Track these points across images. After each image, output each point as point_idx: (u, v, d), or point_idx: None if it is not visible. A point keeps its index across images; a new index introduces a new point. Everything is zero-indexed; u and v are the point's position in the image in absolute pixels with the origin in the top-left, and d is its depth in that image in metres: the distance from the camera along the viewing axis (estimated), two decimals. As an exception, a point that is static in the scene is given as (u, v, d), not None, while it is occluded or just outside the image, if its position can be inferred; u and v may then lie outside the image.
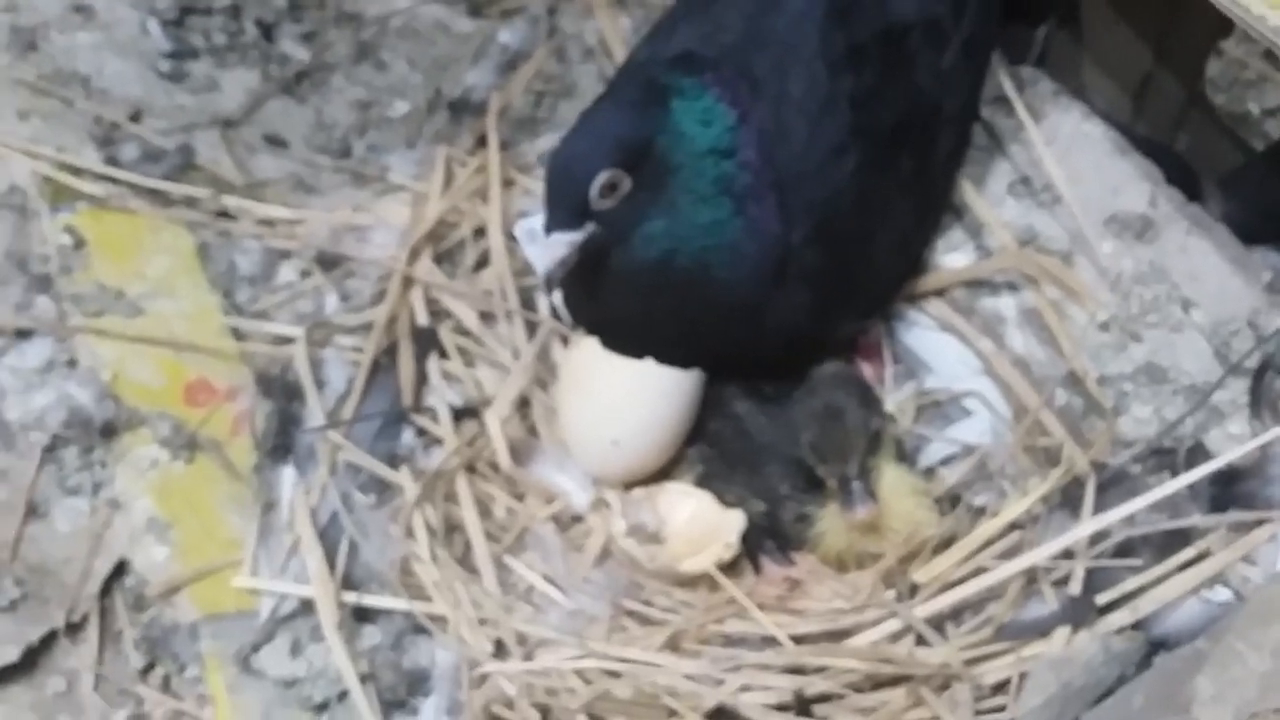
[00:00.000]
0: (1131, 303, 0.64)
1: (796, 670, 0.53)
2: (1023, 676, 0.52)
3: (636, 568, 0.60)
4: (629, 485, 0.63)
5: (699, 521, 0.60)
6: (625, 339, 0.60)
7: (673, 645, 0.55)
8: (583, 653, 0.54)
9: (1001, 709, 0.53)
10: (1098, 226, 0.67)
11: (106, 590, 0.61)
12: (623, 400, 0.61)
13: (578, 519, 0.63)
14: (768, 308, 0.59)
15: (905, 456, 0.62)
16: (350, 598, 0.59)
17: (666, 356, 0.60)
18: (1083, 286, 0.64)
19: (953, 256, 0.68)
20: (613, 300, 0.59)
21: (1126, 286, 0.64)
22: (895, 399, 0.65)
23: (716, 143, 0.57)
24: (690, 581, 0.60)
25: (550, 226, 0.56)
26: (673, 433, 0.62)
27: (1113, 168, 0.69)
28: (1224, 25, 0.71)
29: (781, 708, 0.53)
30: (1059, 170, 0.68)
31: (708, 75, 0.59)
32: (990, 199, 0.69)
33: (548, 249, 0.55)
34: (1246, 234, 0.66)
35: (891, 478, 0.59)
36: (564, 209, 0.55)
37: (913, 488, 0.59)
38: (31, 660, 0.59)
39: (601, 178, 0.55)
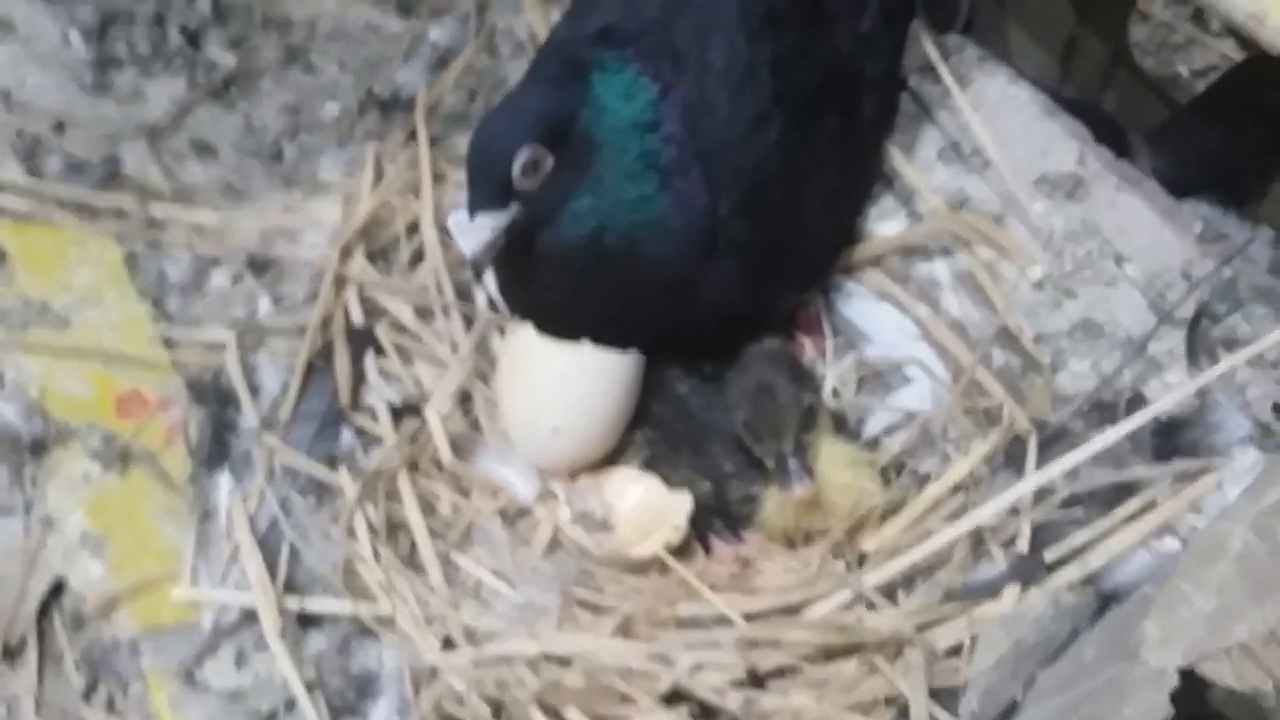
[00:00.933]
0: (1065, 260, 0.63)
1: (749, 646, 0.51)
2: (975, 639, 0.51)
3: (585, 556, 0.58)
4: (574, 473, 0.61)
5: (646, 506, 0.59)
6: (559, 322, 0.58)
7: (625, 631, 0.53)
8: (532, 642, 0.52)
9: (956, 671, 0.51)
10: (1028, 187, 0.66)
11: (44, 611, 0.59)
12: (560, 386, 0.59)
13: (524, 512, 0.61)
14: (700, 283, 0.57)
15: (844, 429, 0.60)
16: (293, 604, 0.57)
17: (602, 338, 0.58)
18: (1015, 244, 0.63)
19: (886, 224, 0.67)
20: (544, 283, 0.57)
21: (1059, 244, 0.64)
22: (837, 371, 0.63)
23: (639, 116, 0.56)
24: (640, 567, 0.58)
25: (473, 208, 0.54)
26: (614, 417, 0.60)
27: (1041, 129, 0.68)
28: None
29: (736, 684, 0.51)
30: (987, 134, 0.67)
31: (629, 50, 0.57)
32: (920, 166, 0.68)
33: (472, 233, 0.54)
34: (1175, 187, 0.66)
35: (829, 452, 0.57)
36: (486, 190, 0.53)
37: (852, 460, 0.58)
38: (-30, 687, 0.57)
39: (523, 155, 0.53)
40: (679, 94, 0.57)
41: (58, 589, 0.59)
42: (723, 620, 0.53)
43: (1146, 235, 0.63)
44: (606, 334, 0.58)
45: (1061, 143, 0.67)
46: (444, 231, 0.70)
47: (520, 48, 0.85)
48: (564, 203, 0.55)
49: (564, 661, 0.53)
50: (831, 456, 0.57)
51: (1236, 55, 0.83)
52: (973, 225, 0.64)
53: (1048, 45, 0.75)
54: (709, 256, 0.57)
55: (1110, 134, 0.68)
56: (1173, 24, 0.85)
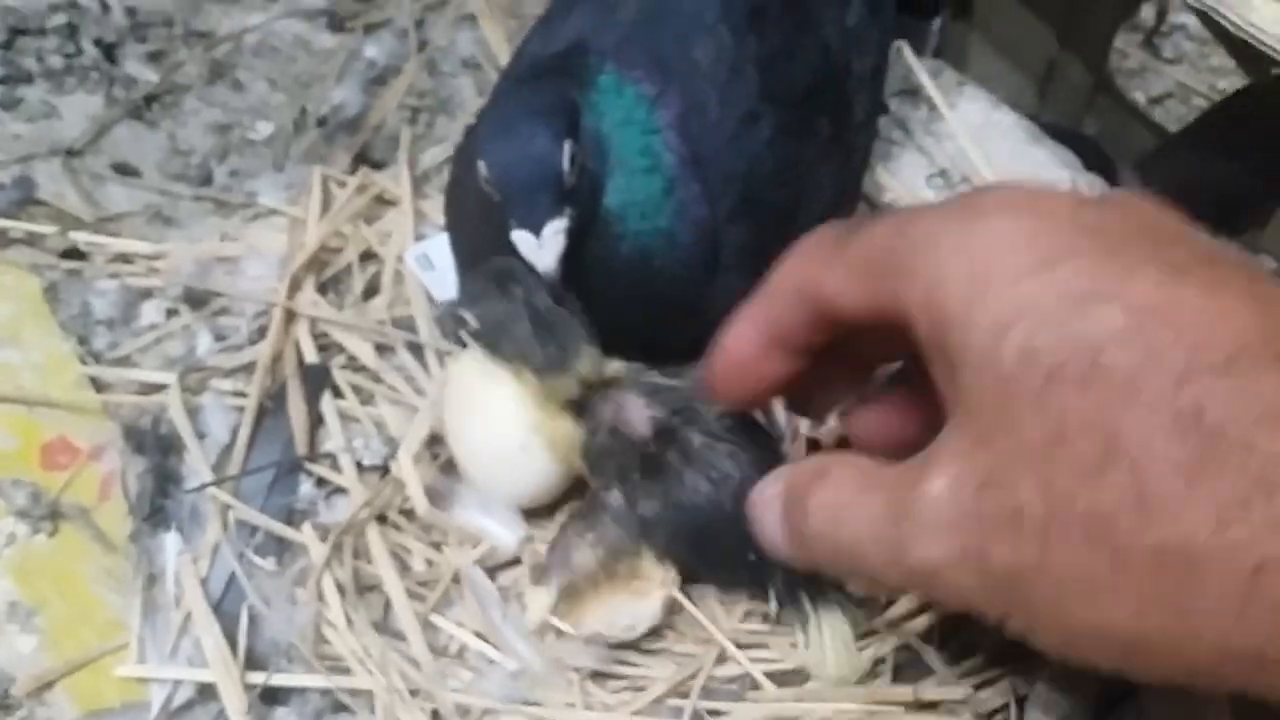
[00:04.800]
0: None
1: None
2: (1022, 699, 0.47)
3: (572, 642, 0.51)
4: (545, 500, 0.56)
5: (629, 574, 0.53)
6: None
7: (652, 711, 0.48)
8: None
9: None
10: (1022, 216, 0.63)
11: (-38, 693, 0.51)
12: (521, 399, 0.53)
13: (511, 563, 0.55)
14: (703, 297, 0.52)
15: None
16: (256, 678, 0.50)
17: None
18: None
19: (880, 255, 0.63)
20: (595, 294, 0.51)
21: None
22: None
23: (634, 114, 0.51)
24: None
25: (537, 222, 0.47)
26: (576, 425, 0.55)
27: (1029, 156, 0.66)
28: (1129, 5, 0.68)
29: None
30: (979, 160, 0.63)
31: (609, 63, 0.52)
32: (909, 192, 0.65)
33: (544, 248, 0.47)
34: (1167, 217, 0.63)
35: None
36: (545, 198, 0.47)
37: None
38: (-122, 787, 0.49)
39: (569, 150, 0.47)
40: (671, 100, 0.52)
41: (-22, 667, 0.52)
42: (751, 684, 0.48)
43: (1147, 266, 0.60)
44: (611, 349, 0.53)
45: (1051, 170, 0.65)
46: (399, 262, 0.64)
47: (465, 64, 0.80)
48: (598, 201, 0.50)
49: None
50: None
51: (1190, 82, 0.82)
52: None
53: (1026, 71, 0.72)
54: (712, 270, 0.52)
55: (1098, 162, 0.65)
56: (1125, 50, 0.84)
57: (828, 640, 0.47)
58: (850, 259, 0.38)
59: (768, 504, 0.40)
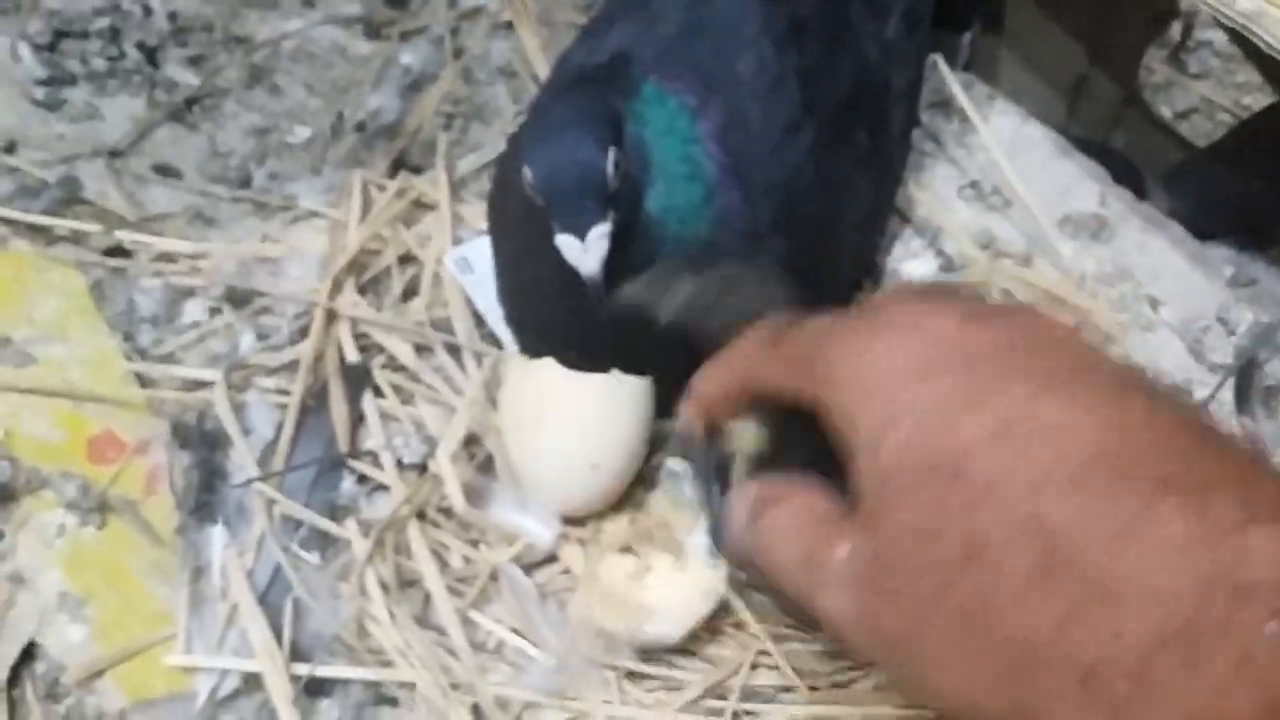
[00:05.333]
0: (1100, 304, 0.61)
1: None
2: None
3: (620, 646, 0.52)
4: (602, 511, 0.57)
5: (672, 582, 0.53)
6: (598, 351, 0.54)
7: (694, 706, 0.48)
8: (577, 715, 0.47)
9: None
10: (1052, 228, 0.64)
11: (15, 679, 0.52)
12: (599, 421, 0.54)
13: (543, 561, 0.56)
14: None
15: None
16: (302, 669, 0.51)
17: (636, 365, 0.54)
18: (1066, 292, 0.60)
19: (913, 264, 0.64)
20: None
21: (1093, 288, 0.61)
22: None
23: (676, 123, 0.52)
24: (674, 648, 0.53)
25: (583, 226, 0.48)
26: (643, 445, 0.56)
27: (1059, 169, 0.66)
28: (1159, 22, 0.69)
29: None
30: (1011, 172, 0.64)
31: (652, 74, 0.53)
32: (941, 203, 0.66)
33: (589, 252, 0.48)
34: (1195, 230, 0.64)
35: None
36: (591, 203, 0.48)
37: None
38: (-68, 768, 0.50)
39: (613, 155, 0.48)
40: (712, 111, 0.53)
41: (29, 654, 0.52)
42: (786, 689, 0.49)
43: (1177, 279, 0.61)
44: (645, 361, 0.54)
45: (1082, 183, 0.66)
46: (439, 264, 0.65)
47: (498, 73, 0.81)
48: (639, 207, 0.50)
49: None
50: None
51: (1216, 97, 0.83)
52: (1014, 275, 0.61)
53: (1055, 85, 0.73)
54: None
55: (1127, 175, 0.66)
56: (1151, 65, 0.84)
57: None
58: (782, 357, 0.43)
59: (739, 502, 0.44)
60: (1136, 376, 0.38)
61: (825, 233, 0.56)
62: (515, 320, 0.60)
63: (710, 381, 0.47)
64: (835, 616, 0.38)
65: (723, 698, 0.48)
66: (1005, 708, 0.34)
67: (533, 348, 0.59)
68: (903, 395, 0.37)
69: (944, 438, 0.35)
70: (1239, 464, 0.34)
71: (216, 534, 0.55)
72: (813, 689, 0.48)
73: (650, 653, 0.52)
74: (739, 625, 0.52)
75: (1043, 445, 0.34)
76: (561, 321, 0.55)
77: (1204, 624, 0.31)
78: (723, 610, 0.52)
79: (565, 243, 0.48)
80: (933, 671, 0.35)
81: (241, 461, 0.57)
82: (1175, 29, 0.83)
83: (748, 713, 0.48)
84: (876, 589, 0.37)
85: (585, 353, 0.55)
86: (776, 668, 0.49)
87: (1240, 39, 0.53)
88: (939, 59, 0.66)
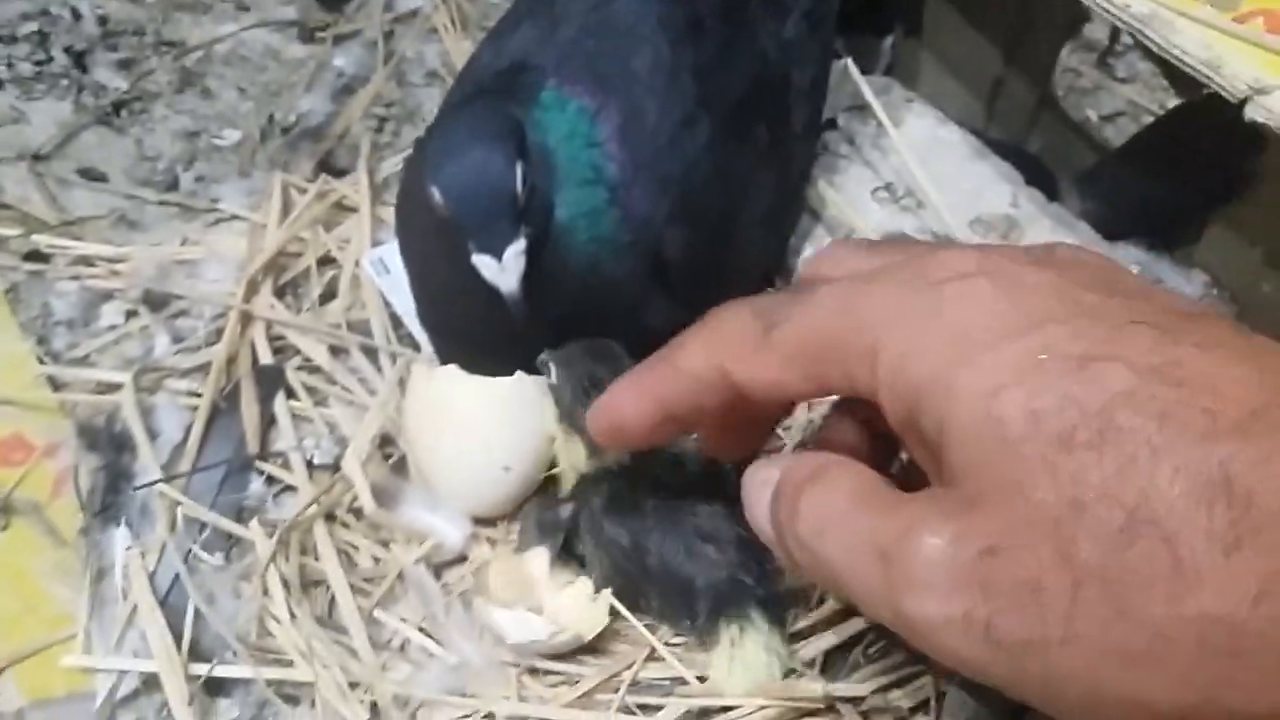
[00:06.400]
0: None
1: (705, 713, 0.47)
2: (942, 695, 0.48)
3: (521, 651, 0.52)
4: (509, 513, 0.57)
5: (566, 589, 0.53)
6: (506, 354, 0.54)
7: (586, 701, 0.48)
8: (475, 713, 0.47)
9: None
10: (963, 229, 0.64)
11: (-90, 681, 0.51)
12: (511, 424, 0.55)
13: (451, 561, 0.56)
14: (648, 301, 0.53)
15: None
16: (200, 670, 0.51)
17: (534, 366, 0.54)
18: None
19: (824, 265, 0.64)
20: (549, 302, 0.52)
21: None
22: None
23: (577, 128, 0.52)
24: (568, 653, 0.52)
25: (498, 245, 0.48)
26: (549, 446, 0.56)
27: (972, 171, 0.67)
28: (1072, 26, 0.69)
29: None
30: (923, 174, 0.65)
31: (551, 80, 0.54)
32: (854, 205, 0.66)
33: (506, 271, 0.48)
34: (1105, 230, 0.64)
35: None
36: (503, 221, 0.48)
37: None
38: None
39: (521, 171, 0.48)
40: (610, 111, 0.53)
41: (-73, 656, 0.52)
42: (680, 681, 0.49)
43: (1084, 278, 0.61)
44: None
45: (994, 185, 0.66)
46: (357, 266, 0.65)
47: (431, 76, 0.81)
48: (549, 216, 0.50)
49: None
50: None
51: (1142, 100, 0.84)
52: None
53: (973, 88, 0.74)
54: (657, 273, 0.53)
55: (1040, 177, 0.67)
56: (1079, 69, 0.85)
57: (739, 666, 0.48)
58: (781, 347, 0.36)
59: (758, 490, 0.38)
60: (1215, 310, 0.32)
61: (725, 224, 0.56)
62: (427, 325, 0.60)
63: (632, 403, 0.41)
64: (932, 622, 0.31)
65: (615, 690, 0.48)
66: (1194, 702, 0.29)
67: (445, 353, 0.59)
68: (1005, 355, 0.31)
69: (1077, 397, 0.30)
70: None
71: (119, 535, 0.54)
72: (702, 679, 0.48)
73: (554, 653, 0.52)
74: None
75: (1197, 394, 0.29)
76: (473, 328, 0.55)
77: None
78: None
79: (483, 262, 0.48)
80: (1090, 677, 0.30)
81: (148, 464, 0.57)
82: (1103, 34, 0.83)
83: (640, 706, 0.48)
84: (994, 587, 0.30)
85: (496, 357, 0.55)
86: (669, 664, 0.49)
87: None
88: (850, 63, 0.67)
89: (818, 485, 0.35)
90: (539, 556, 0.52)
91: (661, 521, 0.50)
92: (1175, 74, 0.52)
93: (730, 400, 0.39)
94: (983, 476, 0.31)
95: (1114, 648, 0.29)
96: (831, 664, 0.50)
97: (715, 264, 0.56)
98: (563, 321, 0.53)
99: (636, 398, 0.41)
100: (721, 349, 0.38)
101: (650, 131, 0.54)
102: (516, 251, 0.48)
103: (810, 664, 0.49)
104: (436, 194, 0.48)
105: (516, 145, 0.49)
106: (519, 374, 0.54)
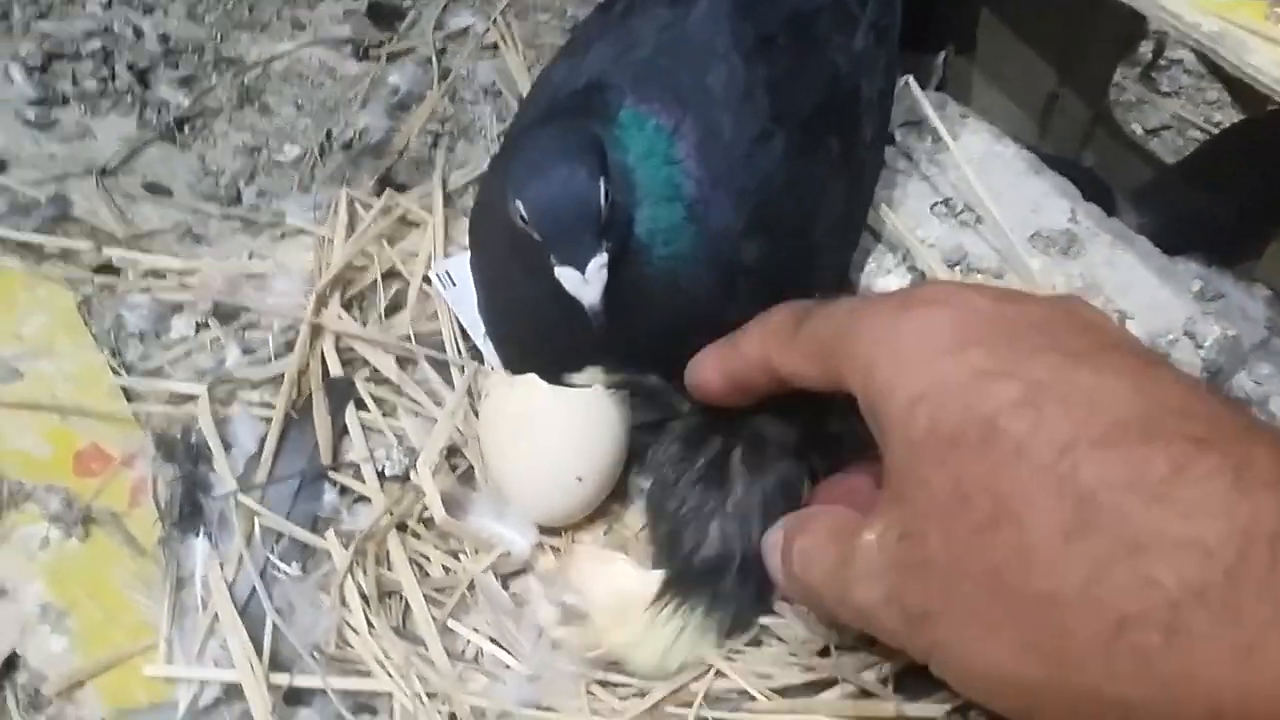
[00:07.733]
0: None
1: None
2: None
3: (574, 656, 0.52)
4: (573, 523, 0.57)
5: (616, 590, 0.53)
6: (579, 361, 0.54)
7: (652, 715, 0.48)
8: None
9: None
10: (1023, 244, 0.64)
11: (-6, 690, 0.51)
12: (584, 434, 0.55)
13: (519, 571, 0.56)
14: (725, 313, 0.53)
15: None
16: (281, 679, 0.51)
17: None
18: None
19: (885, 280, 0.63)
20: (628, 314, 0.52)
21: (1062, 302, 0.61)
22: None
23: (655, 145, 0.53)
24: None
25: (582, 259, 0.48)
26: (622, 457, 0.57)
27: (1030, 186, 0.66)
28: (1129, 42, 0.69)
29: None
30: (983, 188, 0.64)
31: (628, 99, 0.54)
32: (913, 220, 0.66)
33: (589, 284, 0.48)
34: (1162, 245, 0.64)
35: None
36: (588, 236, 0.48)
37: None
38: (-88, 780, 0.49)
39: (604, 188, 0.48)
40: (687, 129, 0.54)
41: (10, 665, 0.52)
42: (747, 696, 0.48)
43: (1145, 293, 0.61)
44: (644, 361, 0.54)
45: (1052, 200, 0.65)
46: (426, 281, 0.65)
47: (482, 93, 0.81)
48: (629, 231, 0.51)
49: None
50: None
51: (1186, 114, 0.83)
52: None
53: (1026, 104, 0.73)
54: (733, 286, 0.53)
55: (1096, 192, 0.66)
56: (1123, 84, 0.85)
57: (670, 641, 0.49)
58: (803, 343, 0.43)
59: (772, 548, 0.45)
60: (1161, 357, 0.38)
61: (800, 235, 0.56)
62: (497, 336, 0.60)
63: (710, 369, 0.49)
64: (868, 605, 0.37)
65: (687, 704, 0.48)
66: (1035, 671, 0.33)
67: (515, 363, 0.59)
68: (933, 368, 0.36)
69: (972, 405, 0.35)
70: (1266, 427, 0.34)
71: (199, 545, 0.54)
72: (776, 695, 0.48)
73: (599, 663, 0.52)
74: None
75: (1072, 407, 0.34)
76: (548, 339, 0.55)
77: (1242, 574, 0.30)
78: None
79: (566, 275, 0.48)
80: (962, 643, 0.35)
81: (224, 474, 0.57)
82: (1147, 48, 0.83)
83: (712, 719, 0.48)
84: (906, 565, 0.36)
85: (568, 368, 0.55)
86: (739, 674, 0.49)
87: (1207, 59, 0.53)
88: (910, 79, 0.66)
89: (804, 532, 0.42)
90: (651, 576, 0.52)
91: None
92: (1239, 90, 0.52)
93: (776, 380, 0.46)
94: (904, 472, 0.36)
95: (975, 620, 0.34)
96: (903, 685, 0.49)
97: (790, 274, 0.56)
98: (640, 333, 0.52)
99: (710, 368, 0.50)
100: (769, 339, 0.46)
101: (726, 147, 0.54)
102: (599, 265, 0.48)
103: (884, 682, 0.49)
104: (521, 208, 0.48)
105: (600, 162, 0.49)
106: (596, 386, 0.54)
